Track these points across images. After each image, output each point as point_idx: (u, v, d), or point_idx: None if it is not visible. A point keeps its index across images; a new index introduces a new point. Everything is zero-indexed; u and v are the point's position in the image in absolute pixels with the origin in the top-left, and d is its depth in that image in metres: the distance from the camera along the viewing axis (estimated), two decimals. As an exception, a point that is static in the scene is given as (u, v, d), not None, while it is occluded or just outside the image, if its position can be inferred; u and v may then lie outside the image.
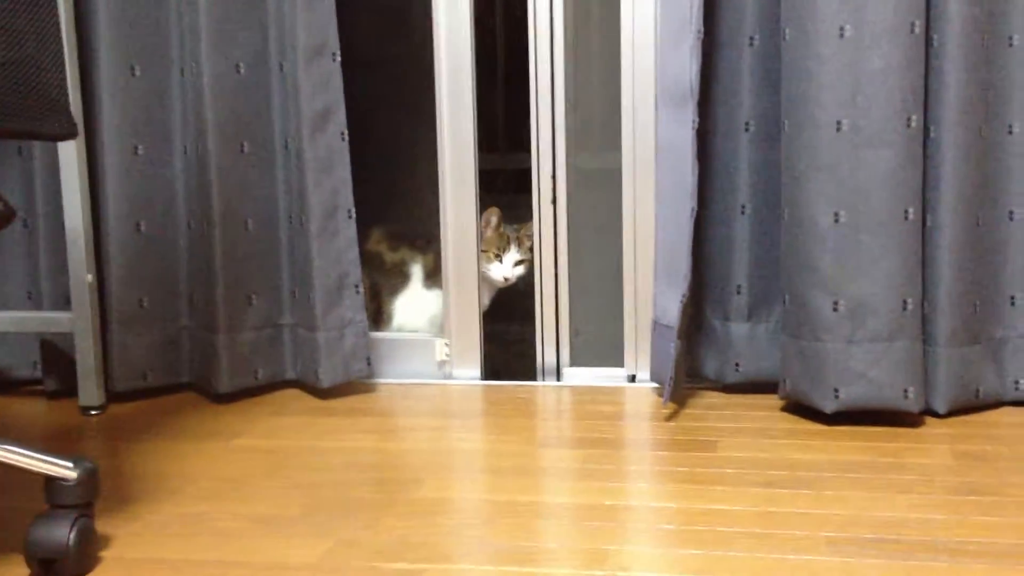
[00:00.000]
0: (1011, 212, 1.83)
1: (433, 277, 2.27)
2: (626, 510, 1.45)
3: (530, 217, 2.15)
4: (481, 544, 1.35)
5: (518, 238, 2.20)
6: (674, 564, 1.27)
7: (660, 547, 1.32)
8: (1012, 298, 1.84)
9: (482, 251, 2.16)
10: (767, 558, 1.28)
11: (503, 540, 1.36)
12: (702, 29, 1.80)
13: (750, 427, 1.79)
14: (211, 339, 2.03)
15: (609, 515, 1.43)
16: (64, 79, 1.15)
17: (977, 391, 1.81)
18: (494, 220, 2.18)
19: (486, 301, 2.21)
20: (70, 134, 1.15)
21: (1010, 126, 1.81)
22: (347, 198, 2.02)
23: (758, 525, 1.38)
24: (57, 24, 1.16)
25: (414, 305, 2.28)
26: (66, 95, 1.15)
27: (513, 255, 2.19)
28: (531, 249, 2.17)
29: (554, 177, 2.11)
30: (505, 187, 2.48)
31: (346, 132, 2.01)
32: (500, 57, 2.54)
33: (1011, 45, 1.79)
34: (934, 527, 1.36)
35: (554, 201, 2.12)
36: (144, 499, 1.54)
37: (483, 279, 2.18)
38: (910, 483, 1.51)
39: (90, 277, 1.96)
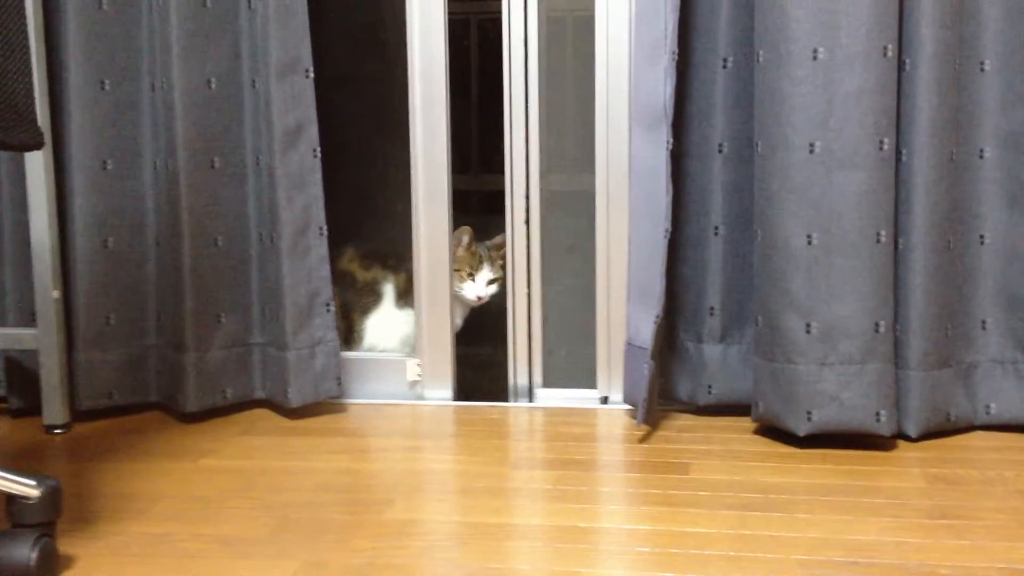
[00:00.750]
0: (982, 236, 1.83)
1: (405, 297, 2.25)
2: (599, 532, 1.43)
3: (500, 235, 2.15)
4: (453, 566, 1.33)
5: (490, 256, 2.19)
6: (647, 587, 1.26)
7: (634, 570, 1.30)
8: (983, 322, 1.85)
9: (454, 270, 2.15)
10: (740, 581, 1.26)
11: (474, 562, 1.34)
12: (676, 50, 1.80)
13: (723, 449, 1.79)
14: (179, 358, 2.00)
15: (582, 537, 1.41)
16: (31, 88, 1.13)
17: (949, 415, 1.81)
18: (466, 239, 2.17)
19: (459, 321, 2.20)
20: (36, 144, 1.13)
21: (981, 150, 1.82)
22: (319, 215, 2.00)
23: (731, 548, 1.36)
24: (25, 33, 1.14)
25: (386, 325, 2.26)
26: (33, 105, 1.13)
27: (486, 274, 2.17)
28: (504, 267, 2.16)
29: (527, 197, 2.10)
30: (476, 208, 2.47)
31: (319, 149, 1.99)
32: (473, 78, 2.54)
33: (982, 70, 1.80)
34: (907, 551, 1.35)
35: (527, 221, 2.11)
36: (108, 519, 1.51)
37: (455, 299, 2.16)
38: (883, 507, 1.51)
39: (56, 293, 1.93)
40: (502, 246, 2.18)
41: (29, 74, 1.13)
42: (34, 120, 1.14)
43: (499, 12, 2.10)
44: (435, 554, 1.37)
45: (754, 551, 1.35)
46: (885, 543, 1.37)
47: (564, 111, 2.11)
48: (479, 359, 2.27)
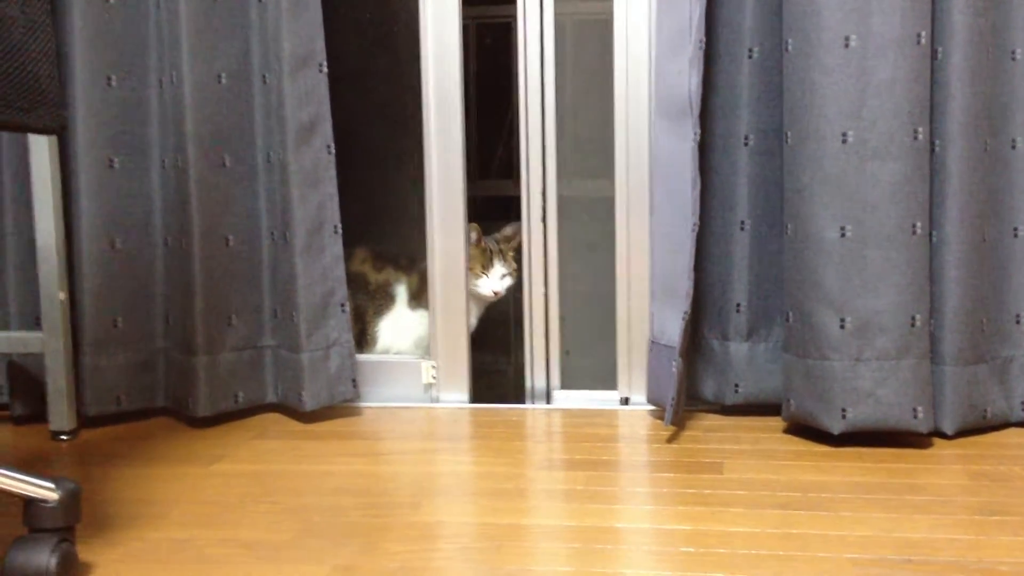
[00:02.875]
0: (1016, 229, 1.79)
1: (418, 298, 2.20)
2: (639, 533, 1.38)
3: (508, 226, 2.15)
4: (490, 569, 1.27)
5: (500, 250, 2.15)
6: (697, 588, 1.21)
7: (682, 570, 1.25)
8: (1018, 316, 1.81)
9: (468, 268, 2.10)
10: (794, 580, 1.21)
11: (513, 564, 1.28)
12: (703, 39, 1.75)
13: (754, 449, 1.74)
14: (189, 361, 1.95)
15: (622, 538, 1.36)
16: (54, 70, 1.08)
17: (985, 412, 1.77)
18: (474, 236, 2.12)
19: (473, 321, 2.15)
20: (60, 127, 1.08)
21: (1014, 141, 1.78)
22: (334, 213, 1.95)
23: (780, 547, 1.31)
24: (47, 12, 1.08)
25: (399, 327, 2.20)
26: (56, 86, 1.08)
27: (499, 269, 2.13)
28: (517, 259, 2.12)
29: (544, 195, 2.06)
30: (476, 216, 2.42)
31: (333, 145, 1.94)
32: (472, 83, 2.49)
33: (1014, 59, 1.76)
34: (961, 547, 1.30)
35: (544, 219, 2.06)
36: (124, 525, 1.44)
37: (471, 297, 2.12)
38: (929, 504, 1.46)
39: (62, 296, 1.87)
40: (512, 238, 2.16)
41: (52, 54, 1.08)
42: (57, 102, 1.08)
43: (499, 17, 2.06)
44: (471, 556, 1.31)
45: (804, 550, 1.30)
46: (937, 540, 1.32)
47: (569, 113, 2.07)
48: (485, 366, 2.22)
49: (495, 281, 2.12)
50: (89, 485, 1.63)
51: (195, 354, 1.94)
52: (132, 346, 1.99)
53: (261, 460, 1.75)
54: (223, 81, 1.94)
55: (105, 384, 1.96)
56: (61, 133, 1.15)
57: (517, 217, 2.09)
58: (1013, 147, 1.78)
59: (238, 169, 1.97)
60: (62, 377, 1.88)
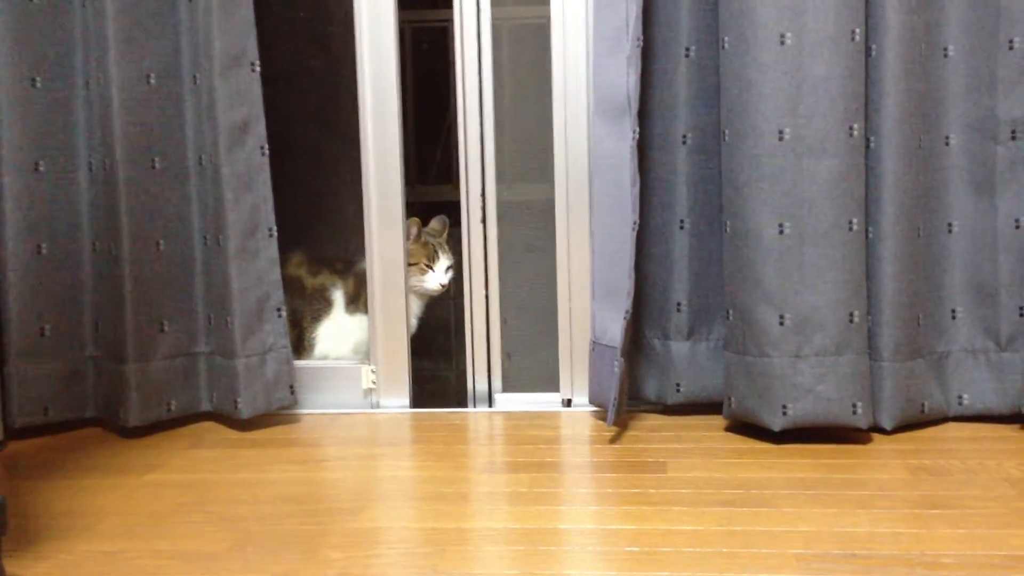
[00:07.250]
0: (950, 224, 1.81)
1: (355, 303, 2.16)
2: (583, 534, 1.36)
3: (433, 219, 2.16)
4: (433, 574, 1.24)
5: (440, 244, 2.13)
6: (642, 587, 1.19)
7: (626, 570, 1.23)
8: (953, 311, 1.82)
9: (409, 264, 2.07)
10: (739, 578, 1.20)
11: (456, 569, 1.26)
12: (641, 37, 1.75)
13: (697, 447, 1.73)
14: (119, 370, 1.89)
15: (566, 539, 1.34)
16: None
17: (923, 406, 1.78)
18: (415, 230, 2.09)
19: (414, 321, 2.11)
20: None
21: (947, 137, 1.80)
22: (268, 216, 1.91)
23: (724, 545, 1.30)
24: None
25: (337, 332, 2.16)
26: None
27: (444, 261, 2.11)
28: (451, 250, 2.11)
29: (483, 198, 2.03)
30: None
31: (266, 146, 1.90)
32: (410, 88, 2.46)
33: (946, 55, 1.78)
34: (904, 541, 1.30)
35: (484, 222, 2.04)
36: (53, 537, 1.39)
37: (414, 293, 2.09)
38: (870, 498, 1.46)
39: (-14, 303, 1.82)
40: (441, 232, 2.16)
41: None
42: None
43: (436, 21, 2.04)
44: (413, 561, 1.28)
45: (748, 547, 1.29)
46: (880, 534, 1.32)
47: (508, 117, 2.05)
48: (426, 371, 2.19)
49: (441, 274, 2.10)
50: (16, 498, 1.57)
51: (125, 362, 1.88)
52: (60, 354, 1.93)
53: (196, 469, 1.70)
54: (152, 81, 1.89)
55: (32, 394, 1.90)
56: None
57: (459, 223, 2.06)
58: (947, 143, 1.80)
59: (169, 171, 1.92)
60: (-13, 388, 1.82)
